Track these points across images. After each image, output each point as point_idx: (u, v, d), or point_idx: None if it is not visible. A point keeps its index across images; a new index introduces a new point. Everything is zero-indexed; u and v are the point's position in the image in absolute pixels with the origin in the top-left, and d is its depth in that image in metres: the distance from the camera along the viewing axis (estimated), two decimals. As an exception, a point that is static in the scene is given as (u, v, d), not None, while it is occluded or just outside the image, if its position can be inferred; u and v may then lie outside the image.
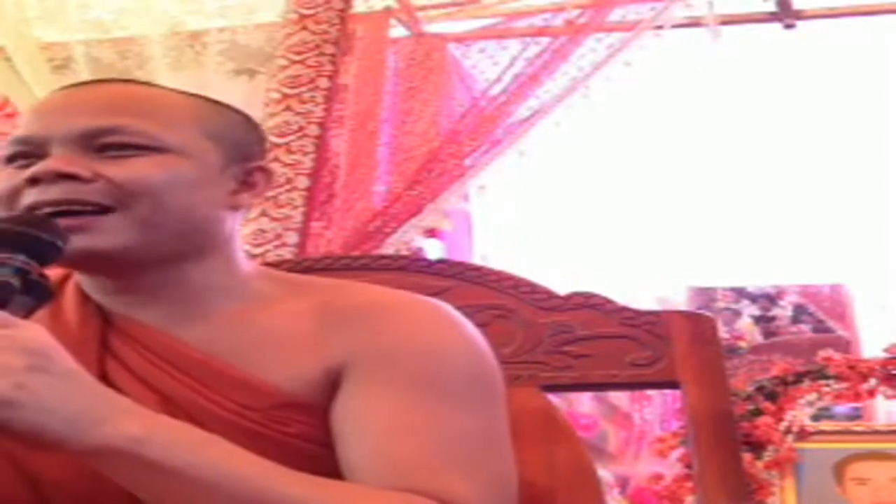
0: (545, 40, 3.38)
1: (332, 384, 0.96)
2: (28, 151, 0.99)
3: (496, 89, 3.40)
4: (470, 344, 1.00)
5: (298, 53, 2.61)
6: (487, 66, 3.59)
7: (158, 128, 0.98)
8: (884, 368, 2.96)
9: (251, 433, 0.93)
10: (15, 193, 0.97)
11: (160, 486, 0.84)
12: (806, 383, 2.99)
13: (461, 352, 0.99)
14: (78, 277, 1.04)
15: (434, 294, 1.18)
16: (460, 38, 3.73)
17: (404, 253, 3.08)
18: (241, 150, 1.05)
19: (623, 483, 3.56)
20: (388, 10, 3.62)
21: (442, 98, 3.60)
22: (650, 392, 3.69)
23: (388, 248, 3.10)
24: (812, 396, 2.98)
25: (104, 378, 0.95)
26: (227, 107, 1.09)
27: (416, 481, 0.90)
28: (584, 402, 3.62)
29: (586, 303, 1.34)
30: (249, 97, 2.88)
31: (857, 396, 3.02)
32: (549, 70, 3.32)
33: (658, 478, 2.92)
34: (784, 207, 4.09)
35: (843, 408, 3.25)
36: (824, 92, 4.00)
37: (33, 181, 0.95)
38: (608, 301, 1.35)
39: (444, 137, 3.41)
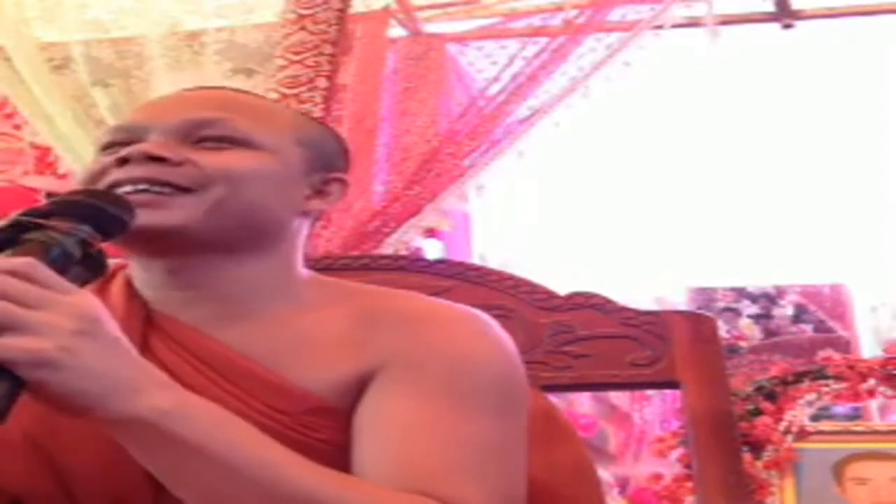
0: (544, 40, 3.37)
1: (362, 389, 0.97)
2: (125, 139, 1.01)
3: (495, 89, 3.39)
4: (501, 354, 1.01)
5: (297, 53, 2.61)
6: (486, 66, 3.58)
7: (255, 126, 1.03)
8: (883, 368, 2.96)
9: (280, 437, 0.92)
10: (101, 173, 1.00)
11: (179, 463, 0.85)
12: (805, 383, 2.99)
13: (491, 361, 0.99)
14: (129, 270, 1.06)
15: (434, 294, 1.18)
16: (459, 38, 3.73)
17: (403, 253, 3.08)
18: (326, 159, 1.10)
19: (623, 483, 3.55)
20: (386, 10, 3.61)
21: (441, 98, 3.59)
22: (650, 392, 3.69)
23: (387, 248, 3.10)
24: (811, 396, 2.98)
25: None
26: (321, 122, 1.17)
27: (427, 485, 0.90)
28: (583, 403, 3.62)
29: (586, 303, 1.34)
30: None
31: (856, 396, 3.02)
32: (548, 70, 3.31)
33: (658, 478, 2.92)
34: (784, 207, 4.09)
35: (842, 408, 3.25)
36: (823, 92, 4.00)
37: (122, 161, 0.98)
38: (608, 301, 1.35)
39: (442, 137, 3.40)
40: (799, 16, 3.62)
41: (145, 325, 1.01)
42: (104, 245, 0.90)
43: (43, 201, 3.88)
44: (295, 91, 2.57)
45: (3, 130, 3.93)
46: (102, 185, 0.98)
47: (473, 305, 1.08)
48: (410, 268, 1.35)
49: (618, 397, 3.72)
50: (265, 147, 1.02)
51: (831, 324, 3.87)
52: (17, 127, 3.81)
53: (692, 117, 4.10)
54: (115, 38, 3.24)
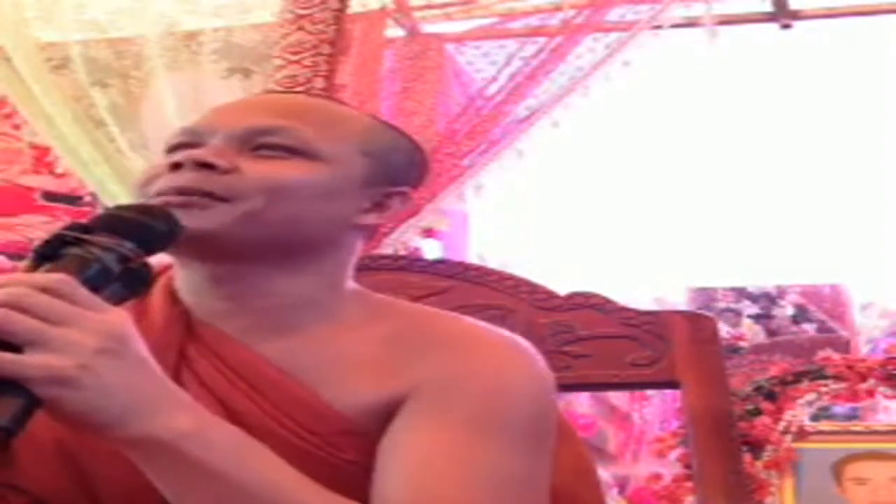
0: (542, 40, 3.37)
1: (392, 413, 0.95)
2: (188, 142, 1.01)
3: (493, 89, 3.39)
4: (536, 385, 0.99)
5: (294, 53, 2.60)
6: (484, 66, 3.58)
7: (318, 135, 1.01)
8: (883, 368, 2.96)
9: (309, 456, 0.92)
10: (152, 178, 0.99)
11: (194, 486, 0.84)
12: (805, 383, 3.00)
13: (525, 392, 0.97)
14: (173, 275, 1.05)
15: (434, 294, 1.18)
16: (457, 38, 3.72)
17: (402, 253, 3.07)
18: (393, 172, 1.06)
19: (622, 483, 3.55)
20: (384, 10, 3.61)
21: (439, 98, 3.59)
22: (649, 392, 3.69)
23: (386, 248, 3.09)
24: (811, 396, 2.98)
25: None
26: (401, 133, 1.11)
27: None
28: (582, 403, 3.62)
29: (586, 303, 1.34)
30: (245, 96, 2.88)
31: (855, 396, 3.02)
32: (547, 69, 3.31)
33: (657, 478, 2.92)
34: (784, 207, 4.09)
35: (841, 408, 3.25)
36: (822, 92, 4.01)
37: (175, 166, 0.97)
38: (608, 301, 1.35)
39: (441, 137, 3.40)
40: (797, 16, 3.61)
41: (184, 335, 1.00)
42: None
43: (39, 201, 3.88)
44: (293, 91, 2.56)
45: (1, 130, 3.93)
46: (153, 188, 0.98)
47: (473, 305, 1.08)
48: (410, 268, 1.35)
49: (617, 397, 3.72)
50: (323, 157, 1.00)
51: (831, 324, 3.87)
52: (17, 127, 3.81)
53: (691, 117, 4.11)
54: (113, 39, 3.24)
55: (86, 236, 0.85)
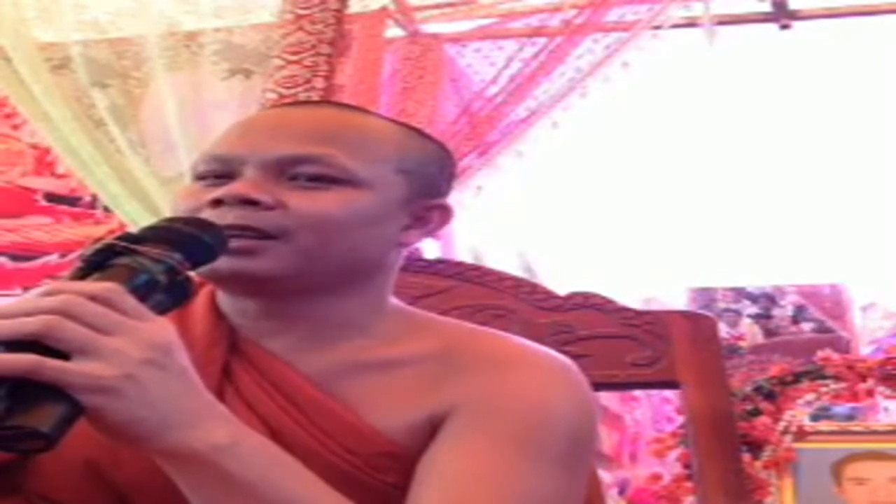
0: (542, 40, 3.37)
1: (433, 433, 0.95)
2: (222, 171, 0.99)
3: (492, 90, 3.40)
4: (578, 407, 0.98)
5: (294, 53, 2.60)
6: (483, 67, 3.58)
7: (355, 160, 0.98)
8: (882, 368, 2.96)
9: (350, 477, 0.92)
10: (195, 212, 0.97)
11: (226, 499, 0.84)
12: (804, 383, 2.99)
13: (567, 414, 0.96)
14: (217, 294, 1.04)
15: (434, 294, 1.18)
16: (456, 39, 3.72)
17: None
18: (429, 186, 1.05)
19: (620, 484, 3.55)
20: (384, 10, 3.61)
21: (438, 98, 3.59)
22: (637, 393, 3.68)
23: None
24: (810, 396, 2.98)
25: None
26: (430, 139, 1.09)
27: None
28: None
29: (586, 303, 1.34)
30: (245, 97, 2.88)
31: (855, 396, 3.02)
32: (546, 70, 3.31)
33: (657, 478, 2.92)
34: (783, 207, 4.09)
35: (841, 408, 3.25)
36: (821, 92, 4.00)
37: (217, 203, 0.96)
38: (608, 301, 1.35)
39: (440, 138, 3.40)
40: (796, 16, 3.62)
41: (229, 350, 1.00)
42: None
43: (41, 202, 3.88)
44: (292, 91, 2.56)
45: (2, 132, 3.93)
46: None
47: (473, 305, 1.07)
48: (410, 268, 1.35)
49: (608, 398, 3.71)
50: (364, 183, 0.98)
51: (831, 324, 3.87)
52: (16, 127, 3.81)
53: (690, 118, 4.10)
54: (113, 39, 3.24)
55: (136, 247, 0.86)
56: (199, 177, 1.01)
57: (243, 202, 0.95)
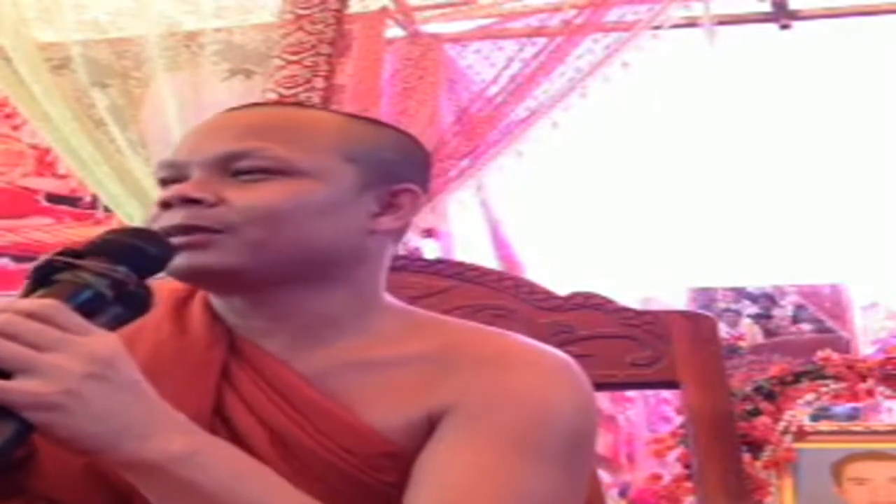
0: (542, 41, 3.37)
1: (430, 432, 0.95)
2: (175, 176, 1.00)
3: (493, 90, 3.40)
4: (578, 405, 0.97)
5: (294, 53, 2.60)
6: (484, 67, 3.58)
7: (292, 151, 0.98)
8: (882, 368, 2.96)
9: (349, 478, 0.93)
10: (153, 217, 0.99)
11: None
12: (804, 383, 2.99)
13: (566, 413, 0.96)
14: (210, 295, 1.05)
15: (434, 294, 1.18)
16: (456, 39, 3.72)
17: (402, 253, 3.07)
18: (388, 172, 1.03)
19: (619, 484, 3.55)
20: (384, 11, 3.61)
21: (438, 98, 3.59)
22: (631, 393, 3.68)
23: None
24: (810, 396, 2.98)
25: (218, 407, 0.96)
26: (384, 126, 1.08)
27: None
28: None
29: (586, 303, 1.34)
30: (245, 97, 2.88)
31: (855, 396, 3.02)
32: (546, 70, 3.32)
33: (657, 478, 2.92)
34: (783, 207, 4.09)
35: (841, 408, 3.25)
36: (821, 92, 4.00)
37: (165, 205, 0.97)
38: (608, 301, 1.35)
39: (440, 138, 3.40)
40: (796, 16, 3.62)
41: (227, 354, 1.00)
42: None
43: (42, 203, 3.88)
44: (293, 91, 2.56)
45: (3, 132, 3.93)
46: (157, 229, 0.98)
47: (473, 305, 1.07)
48: (410, 267, 1.35)
49: (600, 399, 3.71)
50: (307, 172, 0.98)
51: (831, 324, 3.86)
52: (16, 128, 3.81)
53: (690, 118, 4.10)
54: (113, 39, 3.24)
55: (76, 261, 0.86)
56: (160, 183, 1.03)
57: (187, 201, 0.96)
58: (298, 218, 0.97)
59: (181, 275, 0.97)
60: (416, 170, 1.08)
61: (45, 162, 3.71)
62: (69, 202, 3.86)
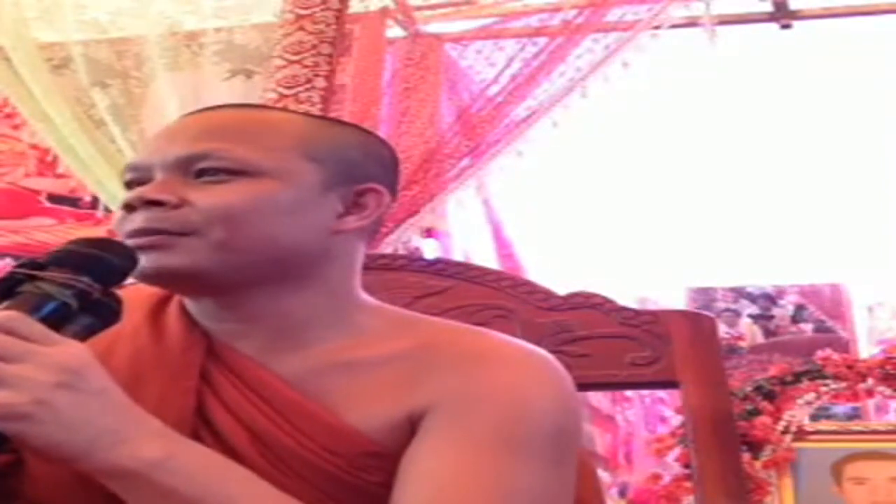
0: (542, 41, 3.37)
1: (413, 430, 0.95)
2: (139, 179, 1.01)
3: (493, 90, 3.40)
4: (561, 404, 0.97)
5: (295, 53, 2.60)
6: (484, 67, 3.58)
7: (252, 151, 0.98)
8: (882, 368, 2.96)
9: (335, 479, 0.93)
10: (118, 220, 0.99)
11: None
12: (804, 383, 2.99)
13: (548, 409, 0.96)
14: (185, 300, 1.04)
15: (434, 294, 1.18)
16: (457, 39, 3.72)
17: (402, 253, 3.08)
18: (351, 170, 1.03)
19: (618, 484, 3.55)
20: (384, 10, 3.61)
21: (439, 98, 3.59)
22: (629, 393, 3.68)
23: (386, 247, 3.10)
24: (810, 396, 2.98)
25: (199, 410, 0.96)
26: (347, 125, 1.08)
27: None
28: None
29: (586, 303, 1.34)
30: (246, 97, 2.88)
31: (854, 396, 3.03)
32: (547, 70, 3.32)
33: (657, 478, 2.92)
34: (783, 207, 4.09)
35: (841, 407, 3.25)
36: (822, 92, 4.01)
37: (129, 207, 0.97)
38: (608, 301, 1.35)
39: (440, 138, 3.40)
40: (797, 16, 3.62)
41: (205, 357, 1.00)
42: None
43: (44, 203, 3.88)
44: (293, 91, 2.56)
45: (5, 133, 3.93)
46: (122, 232, 0.98)
47: (473, 305, 1.07)
48: (410, 267, 1.35)
49: (598, 399, 3.71)
50: (267, 172, 0.98)
51: (831, 324, 3.87)
52: (16, 128, 3.81)
53: (691, 118, 4.11)
54: (114, 39, 3.24)
55: (38, 273, 0.86)
56: (125, 186, 1.03)
57: (149, 204, 0.96)
58: (261, 218, 0.97)
59: (147, 277, 0.96)
60: (382, 170, 1.07)
61: (46, 162, 3.71)
62: (70, 202, 3.86)
